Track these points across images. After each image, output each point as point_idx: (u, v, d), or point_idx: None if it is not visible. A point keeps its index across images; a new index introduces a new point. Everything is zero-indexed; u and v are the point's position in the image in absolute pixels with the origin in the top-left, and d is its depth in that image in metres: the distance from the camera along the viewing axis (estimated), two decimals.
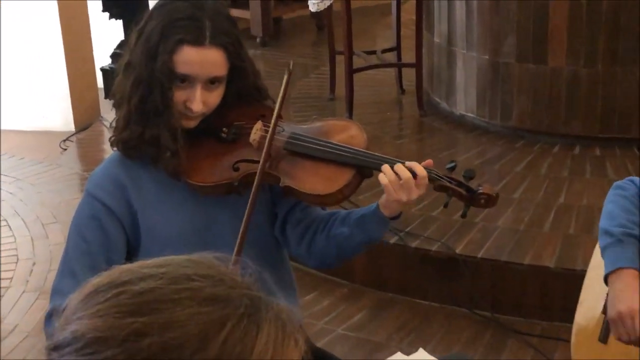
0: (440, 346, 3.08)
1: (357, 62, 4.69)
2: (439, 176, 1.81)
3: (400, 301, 3.38)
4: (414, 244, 3.37)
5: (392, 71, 5.04)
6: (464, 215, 1.87)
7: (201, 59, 1.74)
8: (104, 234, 1.81)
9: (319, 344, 3.08)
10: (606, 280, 1.88)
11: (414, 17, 4.64)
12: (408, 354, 3.00)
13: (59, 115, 5.35)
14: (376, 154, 1.83)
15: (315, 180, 1.81)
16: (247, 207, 1.74)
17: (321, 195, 1.80)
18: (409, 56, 4.82)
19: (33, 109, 5.39)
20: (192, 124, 1.82)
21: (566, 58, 4.06)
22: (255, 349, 0.86)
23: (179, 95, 1.76)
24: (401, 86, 4.99)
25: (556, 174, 3.90)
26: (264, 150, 1.77)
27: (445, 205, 1.85)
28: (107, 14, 3.80)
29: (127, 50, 1.85)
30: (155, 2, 1.86)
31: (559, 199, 3.65)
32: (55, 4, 5.16)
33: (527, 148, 4.18)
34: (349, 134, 1.89)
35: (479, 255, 3.27)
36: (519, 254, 3.26)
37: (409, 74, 4.78)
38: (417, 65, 4.59)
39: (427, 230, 3.42)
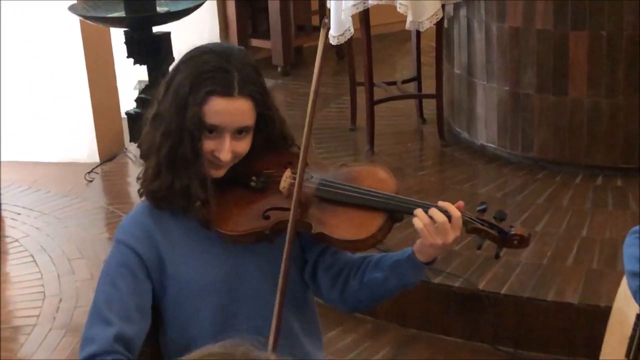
0: None
1: (378, 92, 4.72)
2: (471, 219, 1.82)
3: (424, 337, 3.39)
4: (437, 279, 3.38)
5: (412, 101, 5.06)
6: (497, 257, 1.88)
7: (230, 110, 1.77)
8: (135, 280, 1.82)
9: None
10: None
11: (433, 44, 4.67)
12: None
13: (83, 146, 5.42)
14: (408, 198, 1.85)
15: (347, 227, 1.82)
16: (282, 266, 1.74)
17: (354, 241, 1.81)
18: (429, 84, 4.84)
19: (57, 140, 5.46)
20: (220, 173, 1.85)
21: (587, 89, 4.07)
22: None
23: (208, 145, 1.79)
24: (422, 116, 5.01)
25: (578, 206, 3.89)
26: (294, 198, 1.78)
27: (479, 248, 1.85)
28: (131, 60, 3.87)
29: (155, 102, 1.88)
30: (181, 54, 1.89)
31: (582, 232, 3.64)
32: (79, 35, 5.24)
33: (548, 179, 4.19)
34: (378, 179, 1.90)
35: (502, 292, 3.27)
36: (542, 290, 3.26)
37: (430, 104, 4.80)
38: (438, 96, 4.62)
39: (449, 265, 3.43)
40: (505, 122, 4.39)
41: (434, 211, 1.76)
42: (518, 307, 3.26)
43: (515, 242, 1.80)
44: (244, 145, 1.82)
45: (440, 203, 1.79)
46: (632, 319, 2.03)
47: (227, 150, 1.79)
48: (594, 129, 4.11)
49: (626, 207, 3.85)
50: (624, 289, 2.02)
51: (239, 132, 1.80)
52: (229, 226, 1.83)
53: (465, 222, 1.79)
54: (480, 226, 1.80)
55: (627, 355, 2.04)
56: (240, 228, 1.82)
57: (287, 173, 1.86)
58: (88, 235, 4.43)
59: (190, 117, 1.77)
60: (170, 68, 1.88)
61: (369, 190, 1.83)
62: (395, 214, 1.82)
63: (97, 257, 4.19)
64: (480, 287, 3.30)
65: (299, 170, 1.80)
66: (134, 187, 4.51)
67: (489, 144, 4.51)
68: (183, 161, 1.79)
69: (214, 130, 1.79)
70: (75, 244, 4.35)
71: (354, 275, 1.89)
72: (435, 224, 1.74)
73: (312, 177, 1.86)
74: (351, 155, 4.76)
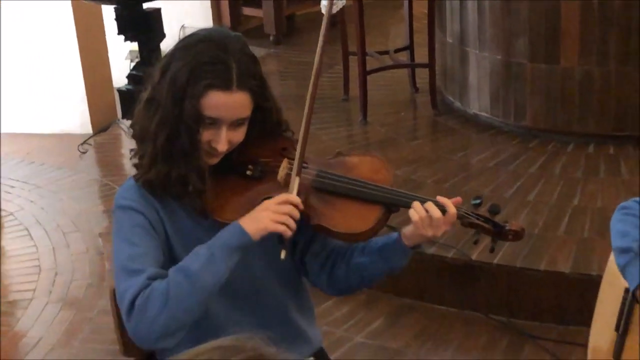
0: (459, 352, 3.13)
1: (370, 62, 4.71)
2: (467, 214, 1.84)
3: (418, 307, 3.43)
4: (431, 250, 3.41)
5: (405, 70, 5.06)
6: (492, 251, 1.90)
7: (229, 103, 1.77)
8: (151, 237, 1.80)
9: (338, 352, 3.15)
10: (634, 294, 1.90)
11: (426, 11, 4.66)
12: None
13: (76, 118, 5.42)
14: (405, 192, 1.86)
15: (346, 219, 1.83)
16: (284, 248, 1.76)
17: (353, 234, 1.83)
18: (421, 53, 4.84)
19: (50, 112, 5.46)
20: (214, 160, 1.85)
21: (578, 57, 4.07)
22: None
23: (205, 135, 1.79)
24: (415, 85, 5.01)
25: (570, 174, 3.92)
26: (295, 188, 1.79)
27: (475, 242, 1.88)
28: (122, 37, 3.86)
29: (149, 85, 1.86)
30: (173, 29, 1.87)
31: (574, 201, 3.67)
32: (71, 9, 5.21)
33: (541, 147, 4.21)
34: (374, 169, 1.91)
35: (495, 262, 3.30)
36: (534, 259, 3.29)
37: (423, 73, 4.80)
38: (430, 65, 4.62)
39: (443, 237, 3.44)
40: (497, 91, 4.40)
41: (430, 206, 1.78)
42: (510, 277, 3.30)
43: (510, 236, 1.84)
44: (240, 135, 1.83)
45: (439, 198, 1.81)
46: (620, 294, 2.06)
47: (223, 141, 1.79)
48: (585, 97, 4.13)
49: (618, 174, 3.87)
50: (612, 264, 2.04)
51: (237, 123, 1.81)
52: (226, 214, 1.83)
53: (460, 217, 1.82)
54: (475, 221, 1.82)
55: (617, 329, 2.07)
56: (238, 216, 1.82)
57: (285, 163, 1.87)
58: (82, 208, 4.45)
59: (188, 110, 1.76)
60: (165, 52, 1.87)
61: (366, 182, 1.84)
62: (392, 206, 1.84)
63: (92, 231, 4.21)
64: (473, 257, 3.33)
65: (296, 163, 1.81)
66: (127, 160, 4.53)
67: (482, 113, 4.52)
68: (180, 152, 1.79)
69: (211, 122, 1.79)
70: (70, 217, 4.37)
71: (341, 260, 1.92)
72: (431, 218, 1.77)
73: (308, 167, 1.87)
74: (344, 125, 4.77)
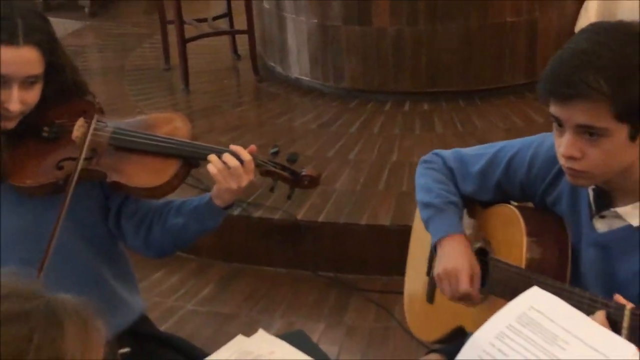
0: (288, 311, 3.20)
1: (190, 30, 4.67)
2: (264, 162, 1.87)
3: (248, 270, 3.47)
4: (257, 213, 3.45)
5: (226, 38, 5.05)
6: (289, 197, 1.94)
7: (16, 59, 1.72)
8: None
9: (170, 322, 3.14)
10: (435, 248, 2.00)
11: None
12: (258, 322, 3.13)
13: None
14: (201, 144, 1.87)
15: (142, 174, 1.83)
16: (62, 208, 1.73)
17: (149, 189, 1.83)
18: (241, 21, 4.84)
19: None
20: (10, 124, 1.79)
21: (389, 18, 4.21)
22: (67, 348, 0.93)
23: None
24: (236, 52, 5.02)
25: (388, 131, 4.07)
26: (85, 146, 1.78)
27: (272, 190, 1.91)
28: None
29: None
30: None
31: (392, 157, 3.82)
32: None
33: (360, 107, 4.33)
34: (173, 126, 1.91)
35: (319, 220, 3.39)
36: (357, 215, 3.40)
37: (243, 40, 4.81)
38: (250, 31, 4.64)
39: (268, 199, 3.50)
40: (316, 55, 4.48)
41: (226, 156, 1.80)
42: (335, 233, 3.40)
43: (306, 182, 1.88)
44: (33, 95, 1.78)
45: (232, 147, 1.83)
46: (429, 240, 2.16)
47: (15, 100, 1.73)
48: (399, 57, 4.28)
49: (432, 129, 4.05)
50: (419, 215, 2.13)
51: (28, 81, 1.76)
52: (23, 178, 1.80)
53: (258, 165, 1.83)
54: (272, 168, 1.85)
55: (428, 273, 2.18)
56: (34, 180, 1.79)
57: (80, 122, 1.84)
58: None
59: None
60: None
61: (163, 138, 1.84)
62: (190, 160, 1.85)
63: None
64: (299, 217, 3.40)
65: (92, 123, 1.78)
66: None
67: (303, 77, 4.60)
68: None
69: (1, 81, 1.73)
70: None
71: (157, 221, 1.92)
72: (229, 168, 1.79)
73: (106, 125, 1.86)
74: (167, 95, 4.72)
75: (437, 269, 1.92)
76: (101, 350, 0.97)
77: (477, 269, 1.86)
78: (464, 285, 1.82)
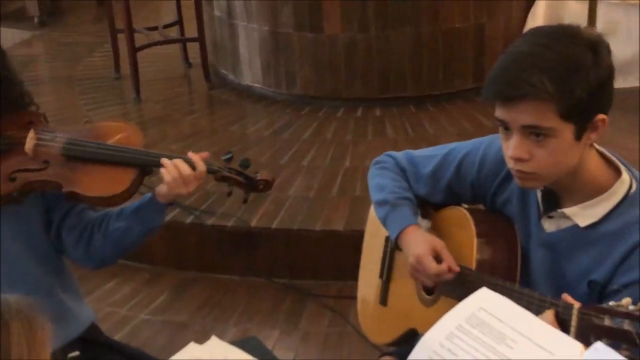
0: (243, 318, 3.19)
1: (140, 39, 4.64)
2: (219, 168, 1.89)
3: (201, 279, 3.45)
4: (210, 221, 3.44)
5: (177, 46, 5.03)
6: (245, 201, 1.97)
7: None
8: None
9: (123, 331, 3.11)
10: (396, 242, 2.00)
11: None
12: (212, 329, 3.11)
13: None
14: (155, 151, 1.89)
15: (98, 183, 1.84)
16: None
17: (107, 197, 1.84)
18: (192, 29, 4.82)
19: None
20: None
21: (341, 25, 4.24)
22: (11, 346, 0.93)
23: None
24: (187, 60, 5.00)
25: (341, 137, 4.08)
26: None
27: (229, 194, 1.94)
28: None
29: None
30: None
31: (345, 163, 3.83)
32: None
33: (313, 114, 4.35)
34: (125, 135, 1.92)
35: (273, 226, 3.39)
36: (311, 220, 3.41)
37: (195, 48, 4.79)
38: (200, 39, 4.62)
39: (222, 206, 3.49)
40: (268, 62, 4.48)
41: (179, 163, 1.82)
42: (290, 240, 3.40)
43: (260, 186, 1.92)
44: None
45: (190, 154, 1.85)
46: (382, 243, 2.18)
47: None
48: (351, 63, 4.30)
49: (384, 134, 4.08)
50: (372, 216, 2.15)
51: None
52: None
53: (213, 172, 1.87)
54: (228, 174, 1.89)
55: (381, 276, 2.19)
56: None
57: (31, 134, 1.83)
58: None
59: None
60: None
61: (118, 147, 1.86)
62: (145, 167, 1.87)
63: None
64: (253, 224, 3.40)
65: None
66: None
67: (255, 84, 4.60)
68: None
69: None
70: None
71: (97, 230, 1.92)
72: (182, 175, 1.81)
73: (56, 136, 1.85)
74: (118, 104, 4.68)
75: (408, 263, 1.92)
76: (48, 349, 0.97)
77: (440, 244, 1.85)
78: (432, 268, 1.81)
